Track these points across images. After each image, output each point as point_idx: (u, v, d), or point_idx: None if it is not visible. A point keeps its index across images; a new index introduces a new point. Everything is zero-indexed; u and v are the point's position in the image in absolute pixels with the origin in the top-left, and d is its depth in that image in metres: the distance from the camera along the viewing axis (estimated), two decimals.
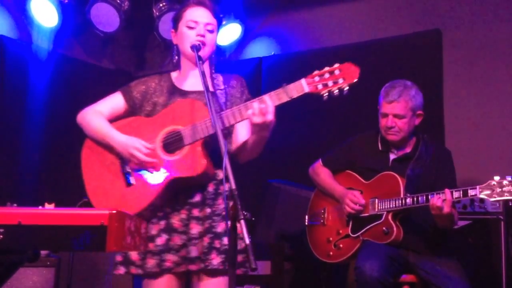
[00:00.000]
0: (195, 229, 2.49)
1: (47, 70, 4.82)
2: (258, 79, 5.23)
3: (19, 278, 3.61)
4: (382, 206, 3.23)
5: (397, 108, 3.28)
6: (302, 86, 2.38)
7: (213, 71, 2.81)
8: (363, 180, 3.42)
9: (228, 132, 2.62)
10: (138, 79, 2.73)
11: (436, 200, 2.99)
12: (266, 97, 2.40)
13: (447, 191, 2.98)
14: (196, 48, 2.55)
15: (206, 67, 2.70)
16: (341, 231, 3.40)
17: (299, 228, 3.70)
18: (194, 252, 2.47)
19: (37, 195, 4.53)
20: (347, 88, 2.35)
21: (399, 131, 3.31)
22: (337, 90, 2.35)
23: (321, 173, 3.59)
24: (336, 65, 2.39)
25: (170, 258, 2.46)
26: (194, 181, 2.51)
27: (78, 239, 1.59)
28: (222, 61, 5.44)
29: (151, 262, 2.46)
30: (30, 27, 4.77)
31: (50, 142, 4.77)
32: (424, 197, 3.06)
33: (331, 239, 3.42)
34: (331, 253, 3.40)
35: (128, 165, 2.56)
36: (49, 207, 2.97)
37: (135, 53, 5.70)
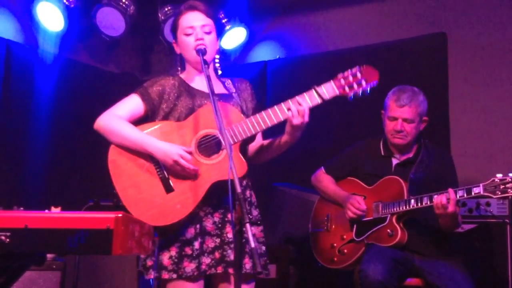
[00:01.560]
0: (230, 232, 2.52)
1: (53, 74, 4.83)
2: (263, 82, 5.23)
3: (25, 282, 3.62)
4: (386, 209, 3.23)
5: (408, 113, 3.28)
6: (333, 89, 2.52)
7: (218, 73, 2.83)
8: (366, 186, 3.42)
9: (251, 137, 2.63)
10: (151, 80, 2.72)
11: (440, 198, 2.99)
12: (300, 99, 2.50)
13: (450, 190, 2.99)
14: (201, 52, 2.56)
15: (210, 70, 2.71)
16: (345, 236, 3.40)
17: (305, 231, 3.70)
18: (232, 255, 2.49)
19: (44, 199, 4.54)
20: (369, 89, 2.54)
21: (407, 135, 3.31)
22: (360, 92, 2.53)
23: (324, 180, 3.60)
24: (357, 68, 2.56)
25: (205, 261, 2.49)
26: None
27: (73, 238, 1.60)
28: (227, 65, 5.45)
29: (191, 266, 2.46)
30: (36, 32, 4.79)
31: (56, 145, 4.78)
32: (428, 198, 3.07)
33: (335, 244, 3.42)
34: (335, 259, 3.40)
35: (168, 171, 2.52)
36: (56, 210, 2.98)
37: (140, 57, 5.72)
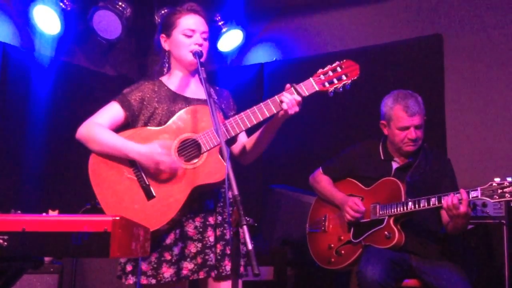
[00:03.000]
0: (212, 236, 2.52)
1: (50, 77, 4.83)
2: (260, 85, 5.25)
3: (22, 285, 3.61)
4: (384, 211, 3.23)
5: (418, 119, 3.28)
6: (312, 85, 2.52)
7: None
8: (363, 187, 3.42)
9: (234, 137, 2.62)
10: (130, 86, 2.71)
11: (451, 200, 2.96)
12: (286, 93, 2.50)
13: (462, 191, 2.97)
14: (198, 55, 2.57)
15: (204, 74, 2.72)
16: (342, 237, 3.40)
17: (302, 233, 3.71)
18: (214, 259, 2.49)
19: (41, 202, 4.54)
20: (350, 83, 2.52)
21: (419, 140, 3.32)
22: (341, 86, 2.51)
23: (322, 181, 3.60)
24: (337, 63, 2.55)
25: (187, 266, 2.47)
26: (213, 187, 2.52)
27: (77, 235, 1.60)
28: (224, 67, 5.45)
29: (169, 272, 2.45)
30: (33, 35, 4.79)
31: (53, 149, 4.78)
32: (426, 200, 3.07)
33: (332, 245, 3.43)
34: (332, 259, 3.40)
35: (149, 177, 2.51)
36: (53, 213, 2.98)
37: (137, 60, 5.72)
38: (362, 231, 3.31)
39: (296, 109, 2.51)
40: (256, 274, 1.83)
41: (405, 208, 3.14)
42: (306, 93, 2.52)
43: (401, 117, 3.29)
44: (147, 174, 2.51)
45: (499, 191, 2.89)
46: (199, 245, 2.51)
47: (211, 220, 2.54)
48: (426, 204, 3.07)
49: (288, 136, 4.26)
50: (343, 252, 3.37)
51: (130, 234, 1.69)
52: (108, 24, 4.96)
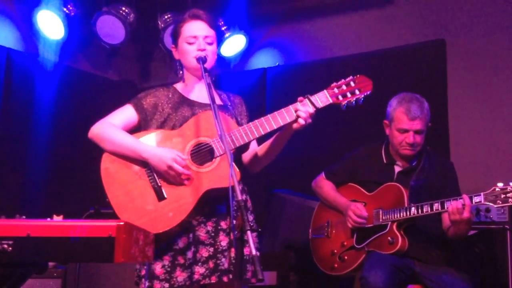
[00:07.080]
0: (224, 241, 2.52)
1: (53, 82, 4.85)
2: (262, 89, 5.24)
3: None
4: (387, 216, 3.23)
5: (419, 124, 3.25)
6: (326, 97, 2.56)
7: (213, 83, 2.84)
8: (366, 192, 3.41)
9: (247, 144, 2.64)
10: (145, 91, 2.74)
11: (456, 204, 2.95)
12: (300, 104, 2.54)
13: (465, 196, 2.96)
14: (202, 60, 2.58)
15: (208, 79, 2.74)
16: (345, 243, 3.39)
17: (305, 238, 3.70)
18: (226, 263, 2.48)
19: (45, 207, 4.55)
20: (362, 98, 2.57)
21: (417, 146, 3.30)
22: (354, 100, 2.55)
23: (324, 186, 3.59)
24: (350, 77, 2.59)
25: (198, 271, 2.47)
26: (225, 191, 2.53)
27: (82, 241, 1.61)
28: (227, 72, 5.46)
29: (183, 276, 2.47)
30: (37, 40, 4.81)
31: (57, 153, 4.79)
32: (429, 205, 3.06)
33: (335, 251, 3.42)
34: (335, 265, 3.39)
35: (160, 179, 2.53)
36: (58, 219, 2.98)
37: (140, 65, 5.74)
38: (365, 237, 3.30)
39: (309, 120, 2.54)
40: (260, 280, 1.83)
41: (408, 213, 3.14)
42: (320, 105, 2.55)
43: (402, 120, 3.27)
44: (159, 176, 2.53)
45: (502, 196, 2.88)
46: (211, 249, 2.51)
47: (223, 224, 2.55)
48: (429, 209, 3.06)
49: (292, 140, 4.25)
50: (346, 257, 3.36)
51: (136, 239, 1.70)
52: (111, 29, 4.98)
